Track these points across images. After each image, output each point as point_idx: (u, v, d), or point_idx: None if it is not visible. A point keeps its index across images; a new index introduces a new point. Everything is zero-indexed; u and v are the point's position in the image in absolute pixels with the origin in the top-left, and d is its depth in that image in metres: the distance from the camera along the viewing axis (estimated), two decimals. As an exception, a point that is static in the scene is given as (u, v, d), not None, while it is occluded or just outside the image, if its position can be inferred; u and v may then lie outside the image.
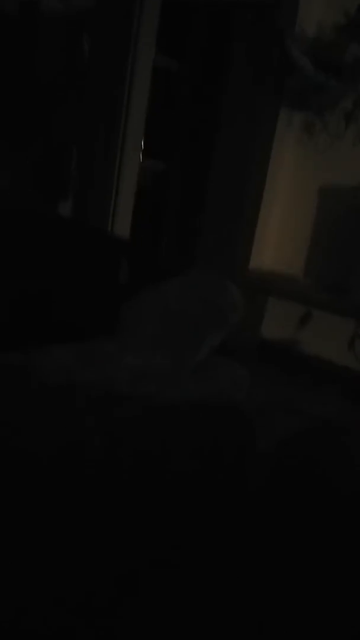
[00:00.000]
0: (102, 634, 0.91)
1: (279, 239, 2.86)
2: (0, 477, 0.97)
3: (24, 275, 1.48)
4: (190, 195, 3.10)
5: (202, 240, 2.81)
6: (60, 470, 1.08)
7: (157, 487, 1.24)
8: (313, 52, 2.54)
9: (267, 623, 1.00)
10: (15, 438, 1.04)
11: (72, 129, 2.66)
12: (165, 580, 1.04)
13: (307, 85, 2.55)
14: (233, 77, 2.68)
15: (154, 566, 1.07)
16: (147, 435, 1.21)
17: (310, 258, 2.81)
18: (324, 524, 1.39)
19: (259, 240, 2.76)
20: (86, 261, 1.51)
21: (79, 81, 2.65)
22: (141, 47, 2.63)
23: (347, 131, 2.60)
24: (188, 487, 1.31)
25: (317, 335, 2.75)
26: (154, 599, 0.99)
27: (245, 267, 2.76)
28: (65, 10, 2.68)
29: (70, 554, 0.98)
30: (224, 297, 1.52)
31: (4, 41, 2.56)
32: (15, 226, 1.56)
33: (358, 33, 2.48)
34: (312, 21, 2.60)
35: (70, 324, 1.37)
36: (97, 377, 1.18)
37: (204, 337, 1.43)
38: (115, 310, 1.50)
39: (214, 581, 1.07)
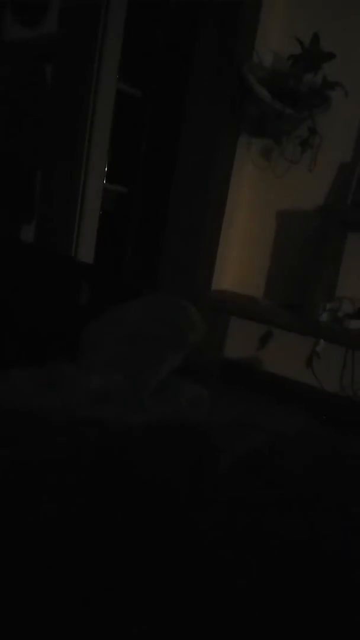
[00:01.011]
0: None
1: (239, 260, 2.93)
2: None
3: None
4: (152, 217, 3.16)
5: (164, 262, 2.86)
6: (15, 496, 1.09)
7: (116, 510, 1.26)
8: (270, 81, 2.64)
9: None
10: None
11: (35, 154, 2.68)
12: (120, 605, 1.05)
13: (265, 112, 2.65)
14: (192, 105, 2.75)
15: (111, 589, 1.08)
16: (105, 458, 1.22)
17: (270, 279, 2.89)
18: (284, 535, 1.42)
19: (220, 261, 2.83)
20: (46, 284, 1.53)
21: (42, 107, 2.68)
22: (104, 74, 2.69)
23: (303, 157, 2.70)
24: (147, 507, 1.32)
25: (277, 353, 2.82)
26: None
27: (207, 288, 2.81)
28: (30, 38, 2.71)
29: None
30: (183, 317, 1.56)
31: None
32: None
33: (312, 64, 2.59)
34: (268, 52, 2.72)
35: (29, 347, 1.38)
36: (55, 401, 1.19)
37: (163, 357, 1.46)
38: (76, 332, 1.51)
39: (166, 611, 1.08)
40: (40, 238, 2.66)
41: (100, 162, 2.73)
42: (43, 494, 1.14)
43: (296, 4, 2.72)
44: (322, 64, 2.55)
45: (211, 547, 1.28)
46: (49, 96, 2.68)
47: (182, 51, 2.93)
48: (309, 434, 2.33)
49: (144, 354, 1.44)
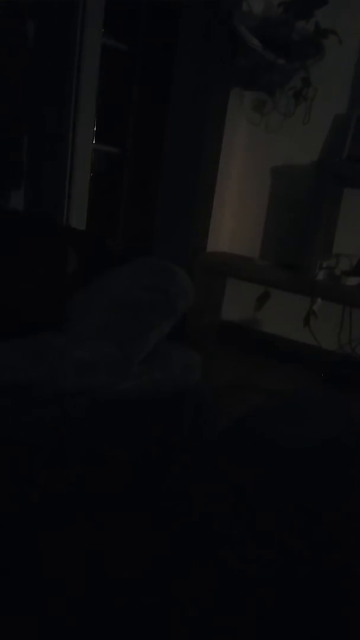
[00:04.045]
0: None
1: (234, 220, 2.88)
2: None
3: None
4: (145, 178, 3.09)
5: (159, 224, 2.81)
6: (8, 468, 1.10)
7: (111, 479, 1.27)
8: (261, 30, 2.53)
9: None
10: None
11: (21, 117, 2.61)
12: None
13: (257, 64, 2.55)
14: (182, 58, 2.65)
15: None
16: (97, 428, 1.23)
17: (265, 238, 2.85)
18: (282, 497, 1.44)
19: (214, 222, 2.78)
20: (31, 252, 1.51)
21: (25, 66, 2.59)
22: (88, 29, 2.59)
23: (297, 109, 2.62)
24: (145, 475, 1.34)
25: (275, 313, 2.80)
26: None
27: (202, 250, 2.78)
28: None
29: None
30: (172, 282, 1.53)
31: None
32: None
33: (304, 10, 2.48)
34: (259, -1, 2.59)
35: (15, 318, 1.37)
36: (43, 372, 1.19)
37: (152, 324, 1.45)
38: (63, 302, 1.50)
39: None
40: (30, 203, 2.61)
41: (88, 121, 2.66)
42: (34, 465, 1.15)
43: None
44: (314, 10, 2.43)
45: (206, 516, 1.30)
46: (32, 54, 2.58)
47: (169, 2, 2.80)
48: (306, 394, 2.34)
49: (132, 321, 1.43)
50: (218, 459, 1.59)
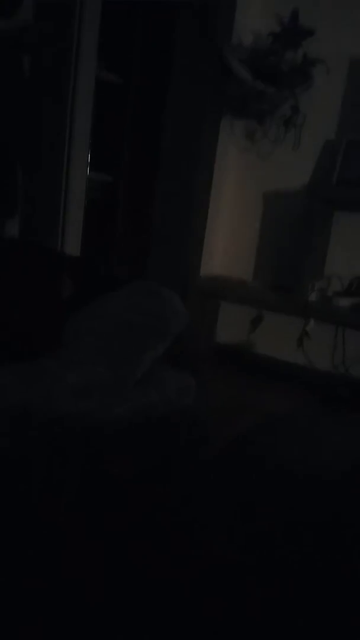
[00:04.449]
0: None
1: (227, 243, 2.93)
2: None
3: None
4: (139, 205, 3.15)
5: (153, 249, 2.86)
6: (4, 491, 1.11)
7: (103, 500, 1.28)
8: (251, 60, 2.61)
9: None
10: None
11: (16, 146, 2.66)
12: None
13: (247, 93, 2.62)
14: (174, 89, 2.73)
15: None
16: (90, 450, 1.25)
17: (258, 260, 2.90)
18: (275, 514, 1.45)
19: (208, 245, 2.83)
20: (27, 278, 1.54)
21: (21, 98, 2.66)
22: (83, 62, 2.66)
23: (287, 136, 2.69)
24: (136, 496, 1.35)
25: (269, 335, 2.83)
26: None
27: (197, 273, 2.82)
28: (5, 28, 2.68)
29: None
30: (165, 306, 1.57)
31: None
32: None
33: (292, 41, 2.56)
34: (248, 31, 2.68)
35: (11, 343, 1.39)
36: (37, 396, 1.21)
37: (146, 347, 1.48)
38: (59, 326, 1.53)
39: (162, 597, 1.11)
40: (25, 232, 2.65)
41: (82, 151, 2.71)
42: (28, 487, 1.17)
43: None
44: (302, 40, 2.52)
45: (202, 536, 1.31)
46: (28, 86, 2.65)
47: (162, 36, 2.90)
48: (299, 415, 2.36)
49: (126, 344, 1.46)
50: (215, 480, 1.60)
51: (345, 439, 2.21)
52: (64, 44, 2.59)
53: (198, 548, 1.22)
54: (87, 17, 2.54)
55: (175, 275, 2.66)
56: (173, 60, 2.73)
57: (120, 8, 2.93)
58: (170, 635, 0.96)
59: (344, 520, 1.48)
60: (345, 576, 1.20)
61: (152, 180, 2.83)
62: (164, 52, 2.80)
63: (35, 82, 2.63)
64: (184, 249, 2.76)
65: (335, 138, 2.63)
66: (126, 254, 3.20)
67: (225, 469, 1.72)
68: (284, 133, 2.69)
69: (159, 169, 2.79)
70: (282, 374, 2.73)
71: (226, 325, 2.95)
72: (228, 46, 2.59)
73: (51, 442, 1.18)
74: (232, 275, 2.89)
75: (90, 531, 1.18)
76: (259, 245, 2.88)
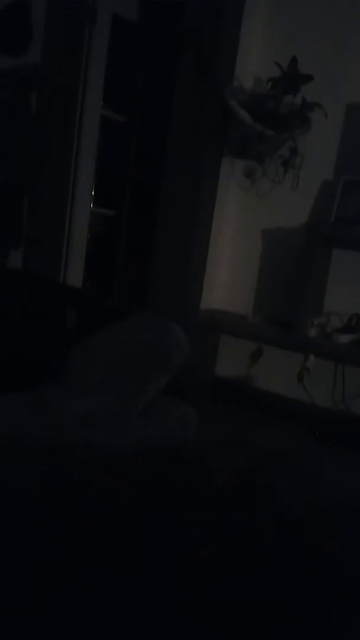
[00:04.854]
0: None
1: (227, 278, 2.96)
2: None
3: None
4: (140, 239, 3.20)
5: (154, 283, 2.89)
6: (6, 521, 1.09)
7: (106, 532, 1.26)
8: (251, 103, 2.70)
9: None
10: None
11: (22, 180, 2.73)
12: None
13: (247, 134, 2.70)
14: (176, 128, 2.81)
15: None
16: (92, 481, 1.23)
17: (258, 296, 2.92)
18: (276, 554, 1.42)
19: (208, 280, 2.86)
20: (32, 309, 1.55)
21: (28, 134, 2.74)
22: (88, 101, 2.75)
23: (286, 176, 2.75)
24: (138, 528, 1.33)
25: (268, 370, 2.83)
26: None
27: (197, 307, 2.84)
28: (14, 67, 2.78)
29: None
30: (168, 337, 1.58)
31: None
32: None
33: (291, 86, 2.65)
34: (249, 75, 2.78)
35: (16, 372, 1.39)
36: (41, 425, 1.20)
37: (149, 378, 1.48)
38: (63, 356, 1.53)
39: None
40: (29, 263, 2.68)
41: (86, 186, 2.78)
42: (31, 519, 1.15)
43: (274, 28, 2.79)
44: (300, 86, 2.61)
45: (205, 568, 1.28)
46: (35, 122, 2.73)
47: (165, 76, 3.00)
48: (299, 452, 2.34)
49: (130, 375, 1.46)
50: (214, 514, 1.57)
51: (345, 478, 2.19)
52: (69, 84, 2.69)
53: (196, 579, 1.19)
54: (93, 58, 2.64)
55: (176, 308, 2.68)
56: (175, 100, 2.81)
57: (125, 50, 3.05)
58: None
59: (342, 558, 1.45)
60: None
61: (154, 215, 2.88)
62: (166, 92, 2.90)
63: (41, 119, 2.71)
64: (184, 282, 2.79)
65: (332, 178, 2.69)
66: (128, 287, 3.23)
67: (225, 504, 1.69)
68: (283, 173, 2.76)
69: (160, 205, 2.84)
70: (282, 409, 2.71)
71: (226, 358, 2.95)
72: (229, 89, 2.68)
73: (54, 471, 1.17)
74: (232, 310, 2.91)
75: (87, 561, 1.15)
76: (258, 281, 2.91)
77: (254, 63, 2.81)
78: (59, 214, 2.68)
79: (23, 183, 2.74)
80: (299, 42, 2.68)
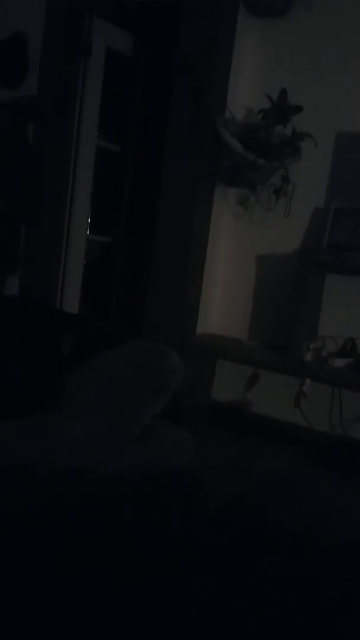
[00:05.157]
0: None
1: (222, 303, 2.99)
2: None
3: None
4: (136, 266, 3.23)
5: (149, 308, 2.91)
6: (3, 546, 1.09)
7: (106, 556, 1.25)
8: (242, 133, 2.76)
9: None
10: None
11: (19, 208, 2.77)
12: None
13: (239, 163, 2.76)
14: (170, 157, 2.87)
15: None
16: (90, 506, 1.23)
17: (253, 320, 2.94)
18: (273, 575, 1.41)
19: (203, 305, 2.88)
20: (27, 336, 1.56)
21: (25, 163, 2.79)
22: (84, 132, 2.82)
23: (278, 203, 2.81)
24: (137, 553, 1.32)
25: (265, 394, 2.84)
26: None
27: (193, 332, 2.85)
28: (11, 99, 2.85)
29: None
30: (163, 362, 1.59)
31: None
32: None
33: (281, 117, 2.72)
34: (240, 106, 2.86)
35: (13, 398, 1.40)
36: (38, 451, 1.20)
37: (145, 402, 1.48)
38: (59, 382, 1.54)
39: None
40: (25, 289, 2.71)
41: (83, 214, 2.82)
42: (28, 544, 1.14)
43: (264, 58, 2.87)
44: (290, 116, 2.68)
45: (204, 593, 1.27)
46: (31, 152, 2.79)
47: (160, 107, 3.07)
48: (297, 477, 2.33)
49: (125, 400, 1.47)
50: (211, 540, 1.56)
51: (343, 503, 2.18)
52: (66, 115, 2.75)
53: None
54: (88, 90, 2.71)
55: (172, 334, 2.69)
56: (169, 130, 2.88)
57: (120, 82, 3.13)
58: None
59: (342, 583, 1.44)
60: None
61: (150, 242, 2.92)
62: (161, 123, 2.96)
63: (39, 149, 2.77)
64: (180, 307, 2.81)
65: (324, 205, 2.75)
66: (123, 313, 3.25)
67: (221, 530, 1.68)
68: (275, 200, 2.81)
69: (155, 232, 2.88)
70: (279, 433, 2.71)
71: (222, 383, 2.96)
72: (221, 120, 2.75)
73: (51, 496, 1.17)
74: (227, 334, 2.93)
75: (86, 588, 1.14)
76: (253, 305, 2.94)
77: (245, 94, 2.89)
78: (56, 241, 2.71)
79: (21, 210, 2.79)
80: (288, 72, 2.77)
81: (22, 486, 1.13)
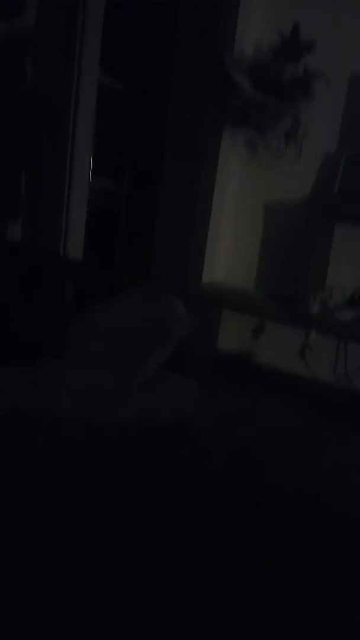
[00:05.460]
0: None
1: (229, 253, 2.92)
2: None
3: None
4: (141, 212, 3.15)
5: (155, 257, 2.85)
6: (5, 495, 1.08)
7: (106, 506, 1.25)
8: (252, 72, 2.63)
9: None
10: None
11: (19, 152, 2.67)
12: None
13: (248, 104, 2.64)
14: (176, 97, 2.74)
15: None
16: (92, 455, 1.22)
17: (260, 270, 2.89)
18: (275, 527, 1.42)
19: (209, 254, 2.82)
20: (29, 283, 1.52)
21: (22, 102, 2.67)
22: (85, 68, 2.67)
23: (288, 149, 2.69)
24: (138, 503, 1.32)
25: (270, 345, 2.81)
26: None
27: (198, 281, 2.80)
28: (8, 31, 2.69)
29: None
30: (167, 311, 1.55)
31: None
32: None
33: (293, 54, 2.58)
34: (250, 43, 2.70)
35: (15, 346, 1.37)
36: (41, 400, 1.18)
37: (148, 353, 1.45)
38: (62, 330, 1.50)
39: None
40: (27, 235, 2.64)
41: (85, 157, 2.72)
42: (31, 494, 1.13)
43: (276, -6, 2.70)
44: (303, 54, 2.54)
45: (207, 543, 1.28)
46: (29, 90, 2.66)
47: (164, 43, 2.92)
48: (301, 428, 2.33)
49: (129, 349, 1.44)
50: (215, 490, 1.57)
51: (346, 453, 2.19)
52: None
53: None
54: (90, 21, 2.55)
55: (177, 283, 2.64)
56: (175, 68, 2.74)
57: (123, 17, 2.96)
58: None
59: (339, 539, 1.45)
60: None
61: (155, 188, 2.83)
62: (166, 59, 2.82)
63: (36, 85, 2.64)
64: (185, 256, 2.75)
65: (335, 151, 2.64)
66: (128, 261, 3.19)
67: (225, 480, 1.69)
68: (285, 145, 2.70)
69: (161, 177, 2.79)
70: (283, 384, 2.70)
71: (228, 334, 2.93)
72: (229, 57, 2.61)
73: (53, 445, 1.15)
74: (233, 284, 2.88)
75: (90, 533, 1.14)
76: (260, 255, 2.87)
77: (255, 30, 2.72)
78: (57, 186, 2.63)
79: (20, 155, 2.68)
80: (301, 8, 2.59)
81: (23, 436, 1.11)
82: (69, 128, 2.61)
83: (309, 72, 2.56)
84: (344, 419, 2.45)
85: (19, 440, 1.12)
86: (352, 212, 2.55)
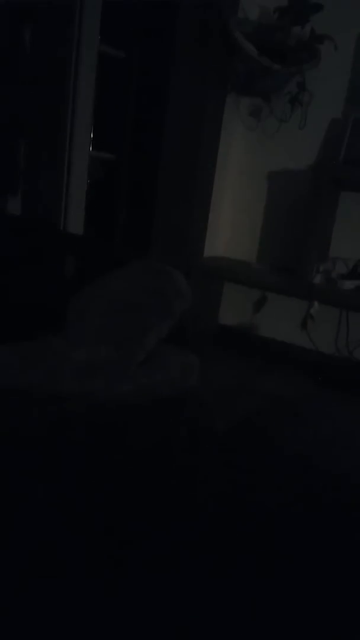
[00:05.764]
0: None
1: (231, 224, 2.89)
2: None
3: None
4: (142, 184, 3.10)
5: (156, 229, 2.82)
6: (6, 471, 1.10)
7: (109, 481, 1.27)
8: (257, 35, 2.54)
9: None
10: None
11: (17, 123, 2.62)
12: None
13: (253, 69, 2.56)
14: (178, 64, 2.67)
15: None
16: (93, 430, 1.23)
17: (262, 242, 2.86)
18: (280, 497, 1.45)
19: (211, 226, 2.79)
20: (30, 256, 1.51)
21: (22, 72, 2.60)
22: (85, 35, 2.60)
23: (293, 115, 2.63)
24: (142, 477, 1.34)
25: (272, 317, 2.81)
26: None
27: (200, 254, 2.79)
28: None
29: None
30: (169, 284, 1.54)
31: None
32: None
33: (299, 17, 2.50)
34: (254, 5, 2.61)
35: (15, 321, 1.37)
36: (42, 375, 1.19)
37: (150, 326, 1.45)
38: (63, 304, 1.50)
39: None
40: (27, 209, 2.61)
41: (85, 128, 2.67)
42: (31, 469, 1.15)
43: None
44: (309, 15, 2.45)
45: (209, 513, 1.30)
46: (29, 60, 2.60)
47: (166, 8, 2.82)
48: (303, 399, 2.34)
49: (130, 323, 1.44)
50: (218, 463, 1.59)
51: (347, 423, 2.21)
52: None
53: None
54: None
55: (179, 255, 2.63)
56: (177, 32, 2.66)
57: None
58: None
59: (342, 505, 1.47)
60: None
61: (156, 158, 2.78)
62: (167, 24, 2.73)
63: (36, 55, 2.57)
64: (187, 228, 2.72)
65: (341, 117, 2.57)
66: (129, 234, 3.17)
67: (228, 452, 1.71)
68: (290, 111, 2.64)
69: (161, 146, 2.74)
70: (285, 355, 2.71)
71: (230, 306, 2.93)
72: (233, 20, 2.52)
73: (54, 421, 1.16)
74: (235, 256, 2.86)
75: (92, 512, 1.16)
76: (263, 225, 2.84)
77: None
78: (57, 158, 2.58)
79: (18, 126, 2.63)
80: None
81: (23, 411, 1.12)
82: (68, 97, 2.55)
83: (315, 34, 2.48)
84: (345, 389, 2.47)
85: (18, 415, 1.13)
86: (358, 180, 2.50)
